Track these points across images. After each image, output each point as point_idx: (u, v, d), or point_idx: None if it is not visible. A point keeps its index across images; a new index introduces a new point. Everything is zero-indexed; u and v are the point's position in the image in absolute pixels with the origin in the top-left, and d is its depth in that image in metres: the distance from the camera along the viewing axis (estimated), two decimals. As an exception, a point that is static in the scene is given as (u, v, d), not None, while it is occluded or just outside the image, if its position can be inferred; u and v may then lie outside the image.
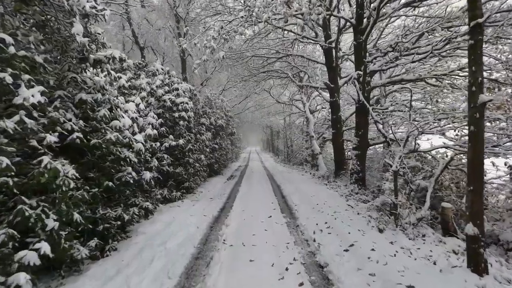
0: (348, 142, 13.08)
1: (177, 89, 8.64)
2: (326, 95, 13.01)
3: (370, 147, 14.65)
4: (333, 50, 11.37)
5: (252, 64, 14.06)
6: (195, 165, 10.06)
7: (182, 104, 8.52)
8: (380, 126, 7.74)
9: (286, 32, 11.92)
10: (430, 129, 5.83)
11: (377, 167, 13.19)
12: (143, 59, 10.55)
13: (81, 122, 4.14)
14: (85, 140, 4.10)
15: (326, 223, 6.08)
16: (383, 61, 7.64)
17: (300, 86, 15.71)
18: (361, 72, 8.23)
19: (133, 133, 6.01)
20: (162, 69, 9.31)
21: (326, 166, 15.87)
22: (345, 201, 8.18)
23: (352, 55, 11.69)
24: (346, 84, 11.91)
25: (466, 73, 8.60)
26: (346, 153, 12.16)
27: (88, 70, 4.91)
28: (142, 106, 6.50)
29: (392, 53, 6.76)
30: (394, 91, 11.96)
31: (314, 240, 5.09)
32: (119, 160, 5.03)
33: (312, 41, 11.75)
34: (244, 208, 7.57)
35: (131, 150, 5.58)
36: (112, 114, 5.07)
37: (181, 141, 8.05)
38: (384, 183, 6.90)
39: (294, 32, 11.77)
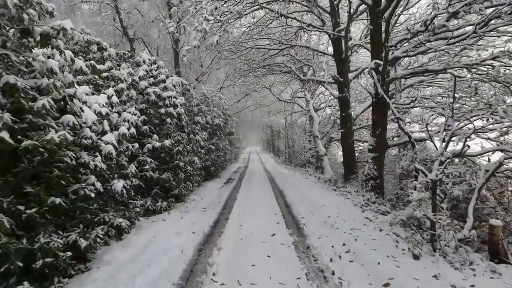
0: (359, 143, 11.86)
1: (163, 81, 7.42)
2: (334, 91, 11.78)
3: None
4: (343, 40, 10.15)
5: (252, 57, 12.84)
6: (186, 168, 8.83)
7: (169, 98, 7.29)
8: (403, 124, 6.52)
9: (289, 20, 10.67)
10: (490, 125, 4.60)
11: (389, 171, 11.95)
12: (128, 50, 9.33)
13: (6, 115, 2.91)
14: (12, 141, 2.87)
15: (344, 245, 4.85)
16: (411, 44, 6.40)
17: (304, 80, 14.49)
18: (379, 61, 7.00)
19: (102, 132, 4.80)
20: (149, 59, 8.09)
21: (331, 168, 14.68)
22: (360, 212, 6.96)
23: (365, 44, 10.47)
24: (357, 78, 10.68)
25: (500, 63, 7.40)
26: (356, 154, 10.92)
27: (33, 48, 3.67)
28: (115, 99, 5.27)
29: (423, 35, 5.52)
30: (409, 85, 10.74)
31: (333, 273, 3.86)
32: (75, 168, 3.81)
33: (318, 30, 10.52)
34: (242, 222, 6.34)
35: (98, 153, 4.37)
36: (68, 106, 3.86)
37: (167, 142, 6.81)
38: (411, 193, 5.68)
39: (298, 20, 10.54)
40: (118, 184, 4.60)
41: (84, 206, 4.03)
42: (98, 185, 4.15)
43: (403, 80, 10.81)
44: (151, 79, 7.32)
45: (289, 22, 10.78)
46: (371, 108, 11.38)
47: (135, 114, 6.65)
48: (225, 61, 14.48)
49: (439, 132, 7.45)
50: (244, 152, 52.32)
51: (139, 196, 6.43)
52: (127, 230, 5.13)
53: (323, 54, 11.11)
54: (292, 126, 27.14)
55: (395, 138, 9.68)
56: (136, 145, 5.66)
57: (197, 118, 12.59)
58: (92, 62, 6.16)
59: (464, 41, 7.07)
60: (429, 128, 7.23)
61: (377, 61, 7.03)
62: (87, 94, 4.46)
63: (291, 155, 28.21)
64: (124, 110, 6.36)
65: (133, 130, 5.51)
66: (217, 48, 11.75)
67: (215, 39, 6.68)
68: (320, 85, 17.49)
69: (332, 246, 4.81)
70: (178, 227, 5.81)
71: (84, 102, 4.01)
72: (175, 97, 7.35)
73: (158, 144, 6.55)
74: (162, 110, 7.06)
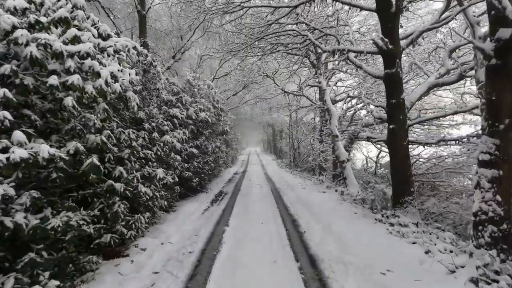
0: (413, 145, 8.09)
1: (64, 20, 3.63)
2: (370, 68, 8.01)
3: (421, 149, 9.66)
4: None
5: (251, 25, 9.07)
6: (138, 190, 5.09)
7: (75, 57, 3.52)
8: None
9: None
10: None
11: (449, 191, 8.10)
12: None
13: None
14: None
15: None
16: None
17: (318, 63, 10.74)
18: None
19: None
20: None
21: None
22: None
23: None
24: (412, 46, 6.91)
25: None
26: (412, 163, 7.12)
27: None
28: None
29: None
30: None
31: None
32: None
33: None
34: None
35: None
36: None
37: (46, 148, 2.96)
38: None
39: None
40: None
41: None
42: None
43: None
44: (42, 18, 3.55)
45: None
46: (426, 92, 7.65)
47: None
48: (214, 35, 10.68)
49: None
50: (244, 153, 48.65)
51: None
52: None
53: (359, 9, 7.28)
54: (298, 124, 23.39)
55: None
56: None
57: (174, 110, 8.91)
58: None
59: None
60: None
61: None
62: None
63: (296, 158, 24.50)
64: None
65: None
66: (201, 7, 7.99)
67: None
68: (338, 71, 13.76)
69: None
70: None
71: None
72: (88, 55, 3.56)
73: (20, 153, 2.74)
74: (52, 81, 3.26)
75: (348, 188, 10.44)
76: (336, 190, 10.54)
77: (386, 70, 6.64)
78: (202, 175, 10.67)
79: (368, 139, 9.32)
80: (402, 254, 4.55)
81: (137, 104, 5.55)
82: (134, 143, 5.42)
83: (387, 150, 12.01)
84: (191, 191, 9.64)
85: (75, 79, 3.38)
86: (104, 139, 3.96)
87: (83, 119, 3.86)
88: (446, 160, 7.36)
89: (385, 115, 7.46)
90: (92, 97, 3.75)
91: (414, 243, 5.11)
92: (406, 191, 6.60)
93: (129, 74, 5.16)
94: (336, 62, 13.89)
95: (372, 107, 8.84)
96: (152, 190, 6.07)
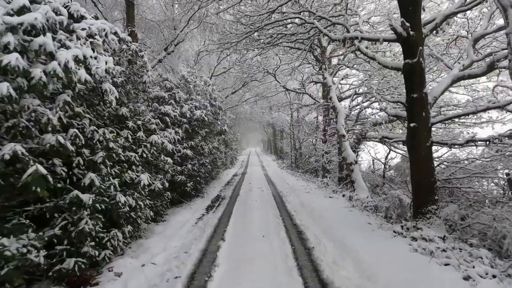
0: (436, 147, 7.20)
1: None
2: (385, 59, 7.14)
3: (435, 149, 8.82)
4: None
5: (250, 11, 8.19)
6: (116, 201, 4.23)
7: (23, 32, 2.67)
8: None
9: None
10: None
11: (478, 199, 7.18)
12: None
13: None
14: None
15: None
16: None
17: (323, 56, 9.86)
18: None
19: None
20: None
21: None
22: None
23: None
24: (436, 32, 6.04)
25: None
26: (435, 168, 6.19)
27: None
28: None
29: None
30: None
31: None
32: None
33: None
34: None
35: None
36: None
37: None
38: None
39: None
40: None
41: None
42: None
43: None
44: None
45: None
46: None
47: None
48: (211, 27, 9.80)
49: None
50: (243, 153, 47.82)
51: None
52: None
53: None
54: (300, 123, 22.51)
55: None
56: None
57: (166, 107, 8.12)
58: None
59: None
60: None
61: None
62: None
63: (298, 158, 23.61)
64: None
65: None
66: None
67: None
68: (343, 67, 12.90)
69: None
70: None
71: None
72: (34, 28, 2.71)
73: None
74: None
75: (356, 192, 9.58)
76: (343, 195, 9.67)
77: (406, 60, 5.77)
78: (198, 178, 9.79)
79: (382, 139, 8.41)
80: (437, 281, 3.69)
81: (116, 98, 4.70)
82: (111, 144, 4.55)
83: (398, 150, 11.17)
84: (185, 196, 8.77)
85: (13, 58, 2.51)
86: (62, 139, 3.10)
87: (33, 114, 2.99)
88: (472, 163, 6.49)
89: (403, 112, 6.60)
90: (42, 85, 2.87)
91: (447, 264, 4.24)
92: (429, 199, 5.73)
93: (106, 62, 4.34)
94: (342, 57, 13.06)
95: (384, 104, 7.96)
96: (136, 198, 5.22)
